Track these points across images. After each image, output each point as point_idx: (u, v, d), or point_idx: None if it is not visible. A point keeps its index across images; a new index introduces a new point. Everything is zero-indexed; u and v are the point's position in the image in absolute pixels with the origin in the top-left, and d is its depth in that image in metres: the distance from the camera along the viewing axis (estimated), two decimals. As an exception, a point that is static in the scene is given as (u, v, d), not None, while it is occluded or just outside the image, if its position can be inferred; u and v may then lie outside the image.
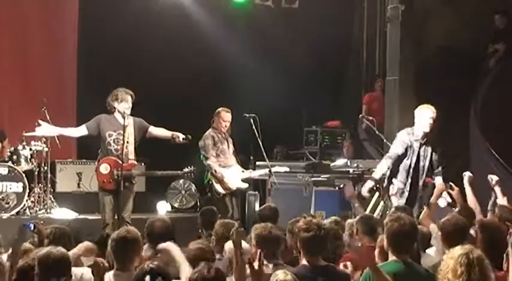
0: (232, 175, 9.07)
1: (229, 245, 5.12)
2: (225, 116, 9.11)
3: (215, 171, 8.95)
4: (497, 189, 7.17)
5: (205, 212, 7.14)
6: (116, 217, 8.14)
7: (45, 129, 8.79)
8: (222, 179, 8.96)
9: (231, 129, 9.36)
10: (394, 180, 7.80)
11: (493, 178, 7.23)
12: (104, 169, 8.21)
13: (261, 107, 9.66)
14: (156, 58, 12.07)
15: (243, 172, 9.19)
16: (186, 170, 8.71)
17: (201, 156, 9.09)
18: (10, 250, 4.93)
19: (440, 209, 7.49)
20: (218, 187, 9.03)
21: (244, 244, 4.87)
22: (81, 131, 8.46)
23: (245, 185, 9.23)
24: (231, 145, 9.24)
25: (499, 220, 6.18)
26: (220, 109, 9.17)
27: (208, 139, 9.03)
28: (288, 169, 9.64)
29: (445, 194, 7.57)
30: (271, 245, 4.99)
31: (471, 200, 7.10)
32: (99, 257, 5.02)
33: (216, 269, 3.97)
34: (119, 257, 4.79)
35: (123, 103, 8.19)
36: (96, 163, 8.40)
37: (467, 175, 7.35)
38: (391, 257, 4.79)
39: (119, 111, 8.19)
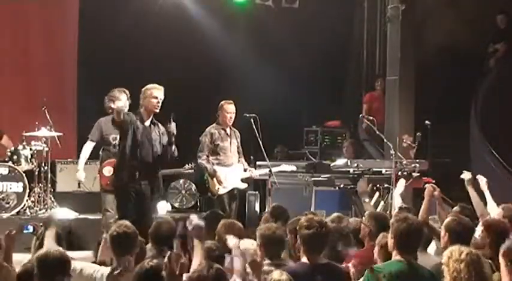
0: (230, 174, 8.88)
1: (233, 241, 4.98)
2: (228, 108, 8.86)
3: (206, 168, 8.76)
4: (486, 193, 7.10)
5: (208, 216, 6.79)
6: (116, 217, 8.15)
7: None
8: (218, 178, 8.74)
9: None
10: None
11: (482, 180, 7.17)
12: (107, 171, 8.26)
13: (261, 107, 9.63)
14: (156, 58, 12.05)
15: (244, 171, 8.99)
16: (186, 167, 8.70)
17: None
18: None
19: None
20: (213, 187, 8.84)
21: (247, 245, 4.86)
22: (91, 146, 8.55)
23: (244, 185, 8.99)
24: (235, 142, 9.01)
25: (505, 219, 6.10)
26: (223, 102, 8.94)
27: (206, 136, 8.82)
28: (295, 168, 9.47)
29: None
30: (275, 245, 4.93)
31: (477, 202, 6.79)
32: None
33: (217, 268, 3.94)
34: (116, 252, 4.76)
35: (118, 102, 8.18)
36: (97, 163, 8.42)
37: (466, 177, 7.08)
38: (395, 257, 4.79)
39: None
